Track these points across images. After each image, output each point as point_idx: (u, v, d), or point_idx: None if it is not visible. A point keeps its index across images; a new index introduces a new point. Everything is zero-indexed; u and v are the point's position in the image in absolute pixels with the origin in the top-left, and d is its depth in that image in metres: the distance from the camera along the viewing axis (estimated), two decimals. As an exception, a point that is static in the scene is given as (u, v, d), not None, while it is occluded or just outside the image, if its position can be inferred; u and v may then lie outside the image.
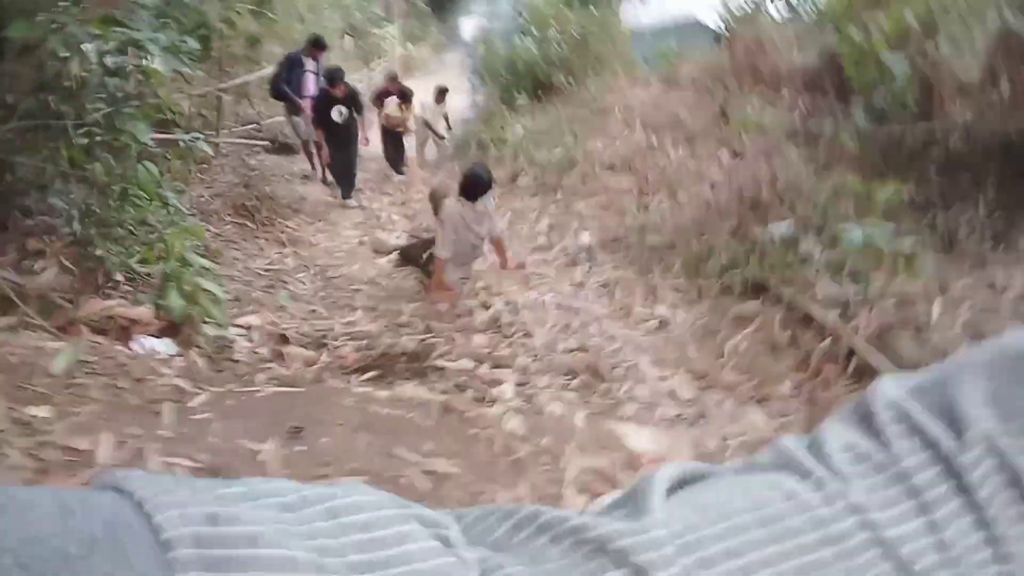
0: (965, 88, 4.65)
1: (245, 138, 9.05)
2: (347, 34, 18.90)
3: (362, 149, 7.83)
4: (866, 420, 0.34)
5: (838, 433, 0.34)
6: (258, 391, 2.53)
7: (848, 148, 4.82)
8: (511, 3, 12.25)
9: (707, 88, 7.92)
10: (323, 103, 7.26)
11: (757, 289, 4.10)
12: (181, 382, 2.43)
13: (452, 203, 4.32)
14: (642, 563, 0.28)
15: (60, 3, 2.77)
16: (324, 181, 8.17)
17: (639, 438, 2.55)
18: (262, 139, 9.22)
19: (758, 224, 4.78)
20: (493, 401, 2.91)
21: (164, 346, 3.16)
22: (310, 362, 3.54)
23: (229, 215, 5.99)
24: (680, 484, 0.34)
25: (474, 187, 4.19)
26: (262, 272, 5.17)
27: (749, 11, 8.09)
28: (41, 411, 2.05)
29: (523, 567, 0.29)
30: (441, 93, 9.20)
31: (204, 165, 6.83)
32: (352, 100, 7.37)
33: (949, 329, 2.93)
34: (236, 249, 5.44)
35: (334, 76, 7.31)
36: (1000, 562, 0.29)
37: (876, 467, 0.32)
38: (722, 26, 8.61)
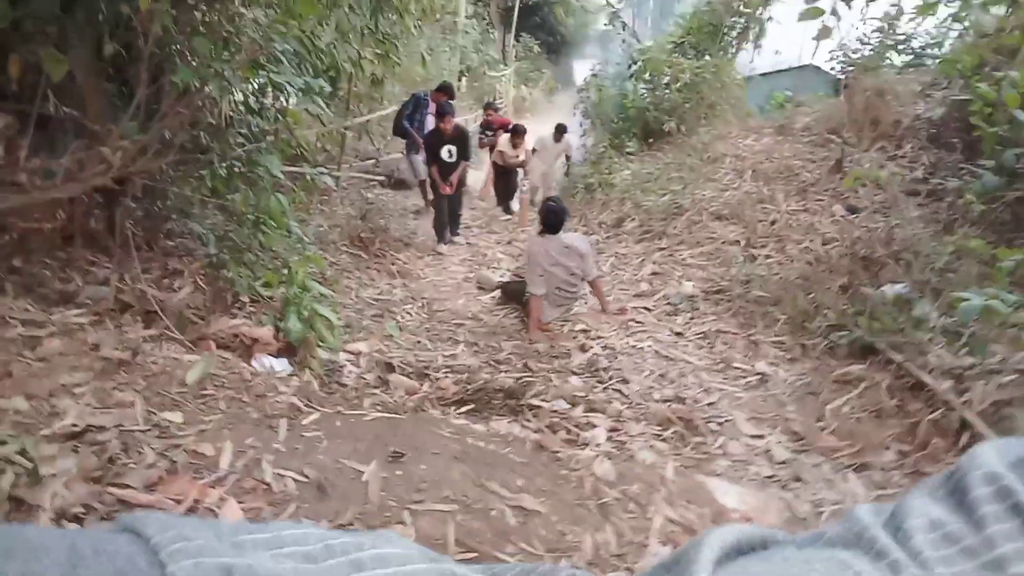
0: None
1: (364, 173, 9.56)
2: (463, 75, 19.66)
3: (471, 186, 8.13)
4: (958, 494, 0.30)
5: (923, 507, 0.30)
6: (364, 415, 2.69)
7: (973, 209, 4.62)
8: (625, 48, 12.41)
9: (823, 138, 7.77)
10: (434, 140, 7.38)
11: (865, 351, 3.97)
12: (296, 400, 2.62)
13: (534, 238, 4.45)
14: None
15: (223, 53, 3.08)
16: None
17: (729, 495, 2.54)
18: (379, 174, 9.69)
19: (870, 283, 4.65)
20: (585, 444, 2.96)
21: (281, 365, 3.40)
22: (412, 391, 3.70)
23: (345, 245, 6.32)
24: (736, 551, 0.31)
25: (552, 221, 4.32)
26: (372, 301, 5.42)
27: (870, 58, 7.90)
28: (175, 417, 2.27)
29: None
30: (560, 131, 9.23)
31: (324, 197, 7.27)
32: (460, 140, 7.41)
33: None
34: (349, 278, 5.73)
35: (444, 109, 7.38)
36: None
37: (965, 552, 0.27)
38: (840, 74, 8.44)
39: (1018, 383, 3.00)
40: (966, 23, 6.81)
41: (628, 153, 9.31)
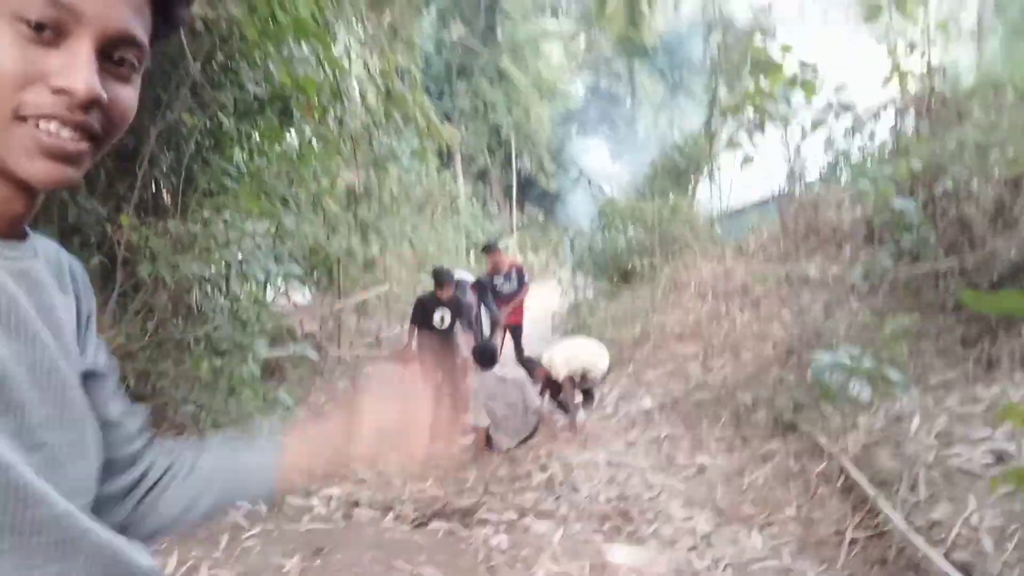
0: (976, 224, 4.92)
1: (367, 350, 10.27)
2: (468, 250, 21.00)
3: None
4: None
5: None
6: (299, 527, 3.12)
7: (859, 288, 5.11)
8: (593, 203, 13.47)
9: (773, 255, 8.38)
10: (424, 305, 6.79)
11: (786, 428, 4.33)
12: (242, 520, 3.07)
13: (474, 375, 5.03)
14: None
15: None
16: None
17: (618, 553, 2.87)
18: (383, 350, 10.37)
19: (798, 370, 5.05)
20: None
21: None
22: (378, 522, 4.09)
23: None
24: None
25: (483, 358, 4.91)
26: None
27: (800, 181, 8.64)
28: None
29: None
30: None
31: (320, 373, 7.92)
32: (455, 307, 6.82)
33: (925, 440, 3.10)
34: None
35: (441, 277, 6.78)
36: None
37: None
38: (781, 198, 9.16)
39: (884, 426, 3.36)
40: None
41: (605, 293, 9.99)
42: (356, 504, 4.34)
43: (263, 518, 3.26)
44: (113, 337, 3.70)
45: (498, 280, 8.20)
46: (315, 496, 4.38)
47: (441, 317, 6.69)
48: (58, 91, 0.55)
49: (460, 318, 6.84)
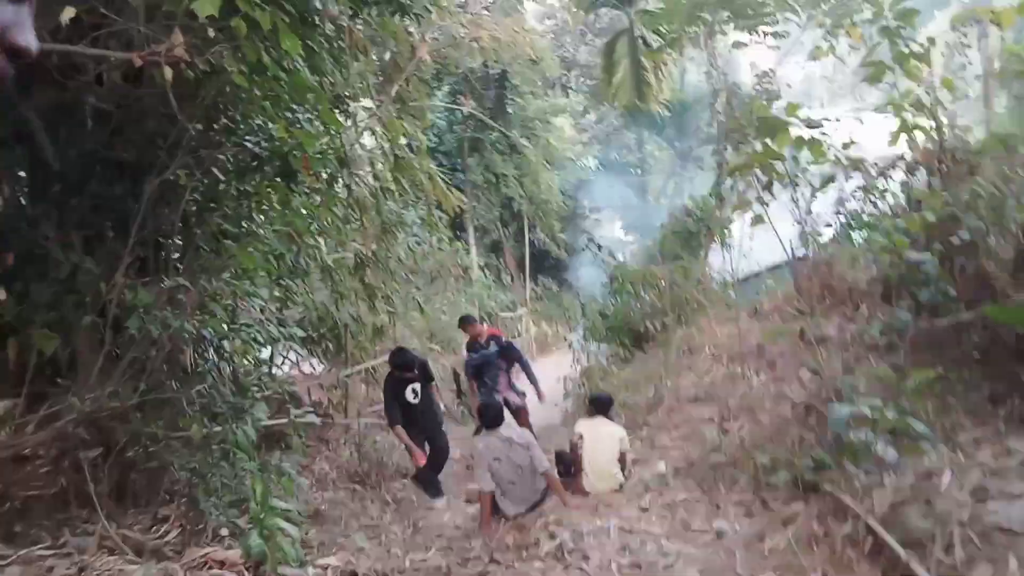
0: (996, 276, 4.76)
1: (378, 418, 10.06)
2: (483, 320, 20.92)
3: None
4: None
5: None
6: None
7: (879, 345, 4.92)
8: (605, 270, 13.39)
9: (789, 315, 8.19)
10: (393, 386, 6.81)
11: (807, 489, 4.09)
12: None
13: (476, 436, 4.83)
14: None
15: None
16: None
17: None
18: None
19: (818, 429, 4.82)
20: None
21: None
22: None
23: (342, 482, 6.66)
24: None
25: (487, 417, 4.72)
26: (365, 526, 5.65)
27: (812, 241, 8.54)
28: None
29: None
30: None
31: (326, 442, 7.72)
32: (422, 370, 7.01)
33: (958, 496, 2.88)
34: (343, 509, 6.00)
35: (398, 361, 6.90)
36: None
37: None
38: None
39: (912, 484, 3.14)
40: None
41: (619, 358, 9.79)
42: (354, 574, 4.11)
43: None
44: (101, 397, 3.59)
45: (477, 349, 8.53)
46: (310, 567, 4.15)
47: (413, 391, 6.78)
48: None
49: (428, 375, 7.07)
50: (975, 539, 2.63)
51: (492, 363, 8.18)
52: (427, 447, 6.73)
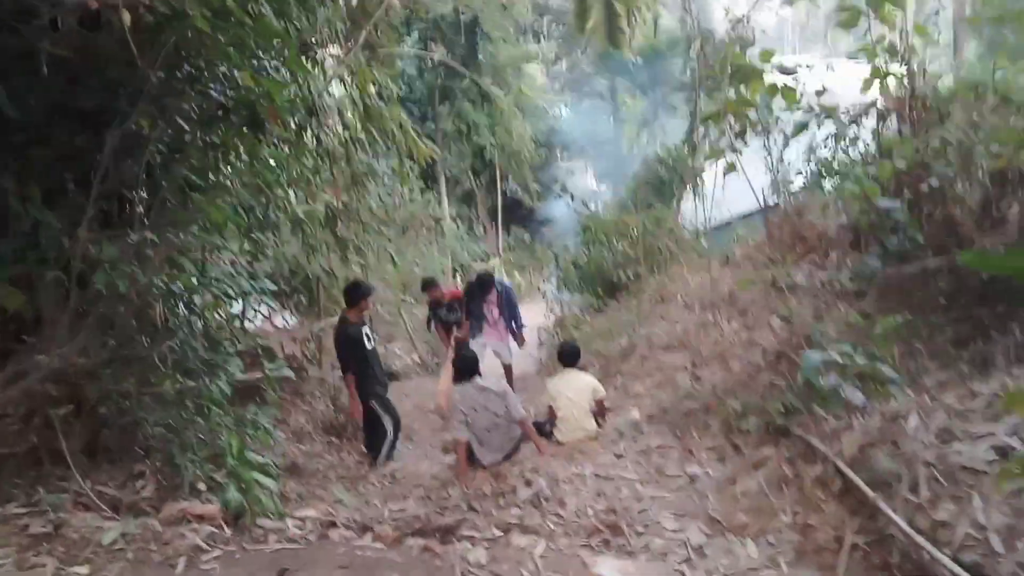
0: (963, 223, 4.82)
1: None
2: (456, 271, 20.89)
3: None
4: None
5: None
6: (266, 547, 2.93)
7: (848, 292, 4.99)
8: (578, 220, 13.38)
9: (760, 263, 8.26)
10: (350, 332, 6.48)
11: (778, 434, 4.17)
12: (200, 542, 2.87)
13: (453, 387, 4.85)
14: None
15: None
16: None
17: (605, 566, 2.70)
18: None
19: (789, 375, 4.90)
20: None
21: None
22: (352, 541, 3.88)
23: (319, 434, 6.68)
24: None
25: (463, 367, 4.73)
26: (342, 478, 5.68)
27: (784, 189, 8.57)
28: (82, 570, 2.54)
29: None
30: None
31: (301, 395, 7.71)
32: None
33: (924, 438, 2.95)
34: (320, 460, 6.03)
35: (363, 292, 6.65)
36: None
37: None
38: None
39: (880, 426, 3.21)
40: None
41: (592, 307, 9.84)
42: (332, 525, 4.14)
43: (226, 540, 3.06)
44: (69, 354, 3.52)
45: (441, 312, 8.97)
46: (288, 518, 4.17)
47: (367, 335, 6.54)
48: None
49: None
50: (940, 478, 2.70)
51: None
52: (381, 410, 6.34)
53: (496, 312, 8.40)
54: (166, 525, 3.21)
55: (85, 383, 3.98)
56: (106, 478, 4.22)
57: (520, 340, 8.60)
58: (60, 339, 3.42)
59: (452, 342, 8.29)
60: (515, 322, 8.50)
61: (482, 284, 8.47)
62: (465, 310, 8.55)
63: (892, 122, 6.76)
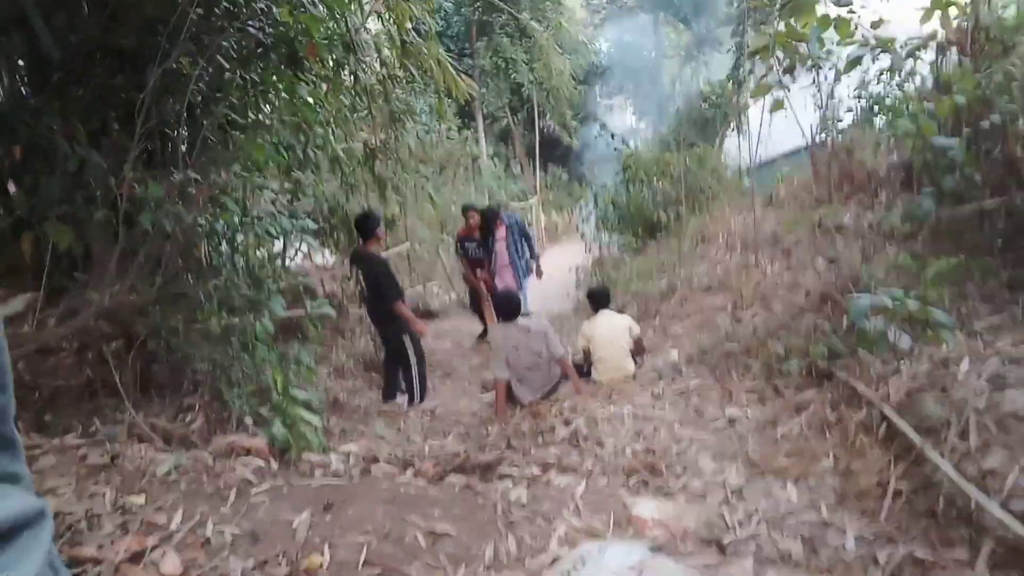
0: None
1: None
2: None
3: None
4: None
5: None
6: (311, 482, 3.01)
7: (898, 233, 4.84)
8: (618, 158, 13.14)
9: (805, 204, 8.06)
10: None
11: (820, 377, 4.13)
12: (250, 476, 2.96)
13: (495, 326, 4.85)
14: None
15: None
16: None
17: (643, 506, 2.72)
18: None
19: (834, 318, 4.82)
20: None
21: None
22: (394, 476, 3.98)
23: (359, 371, 6.80)
24: None
25: (504, 309, 4.71)
26: (383, 413, 5.80)
27: (833, 126, 8.28)
28: (139, 499, 2.64)
29: None
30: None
31: (341, 332, 7.83)
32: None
33: (975, 384, 2.88)
34: (362, 396, 6.15)
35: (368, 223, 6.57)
36: None
37: None
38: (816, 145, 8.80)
39: (928, 371, 3.14)
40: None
41: (631, 247, 9.75)
42: (375, 460, 4.24)
43: (273, 474, 3.15)
44: (119, 292, 3.60)
45: (471, 246, 8.76)
46: (332, 453, 4.28)
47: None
48: None
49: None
50: (991, 426, 2.65)
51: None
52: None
53: (506, 257, 8.34)
54: (216, 458, 3.31)
55: (135, 319, 4.08)
56: (157, 411, 4.36)
57: (538, 272, 8.55)
58: (109, 277, 3.48)
59: (481, 285, 8.35)
60: (530, 252, 8.46)
61: (487, 220, 8.39)
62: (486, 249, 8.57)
63: (952, 55, 6.45)
